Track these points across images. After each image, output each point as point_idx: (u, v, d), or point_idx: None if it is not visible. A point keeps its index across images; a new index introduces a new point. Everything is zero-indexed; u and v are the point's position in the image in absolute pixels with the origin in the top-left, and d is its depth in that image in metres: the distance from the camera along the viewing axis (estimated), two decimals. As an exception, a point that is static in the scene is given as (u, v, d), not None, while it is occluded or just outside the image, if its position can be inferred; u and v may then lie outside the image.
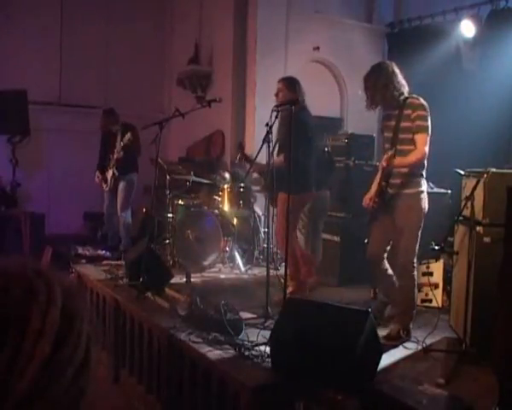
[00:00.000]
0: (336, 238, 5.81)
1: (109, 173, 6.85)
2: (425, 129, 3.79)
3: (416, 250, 3.92)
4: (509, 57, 6.29)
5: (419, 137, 3.79)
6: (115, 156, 6.66)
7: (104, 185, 6.95)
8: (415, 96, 3.90)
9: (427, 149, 3.80)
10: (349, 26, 8.30)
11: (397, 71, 3.94)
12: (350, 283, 5.44)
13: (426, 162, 3.89)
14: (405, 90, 3.92)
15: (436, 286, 4.62)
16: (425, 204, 3.89)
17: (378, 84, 3.89)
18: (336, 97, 8.54)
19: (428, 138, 3.80)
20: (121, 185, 6.82)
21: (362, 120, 7.90)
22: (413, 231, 3.86)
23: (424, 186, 3.92)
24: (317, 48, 8.03)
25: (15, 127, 7.42)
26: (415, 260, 3.94)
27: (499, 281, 2.88)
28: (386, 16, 8.68)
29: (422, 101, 3.85)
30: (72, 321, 0.76)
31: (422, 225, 3.88)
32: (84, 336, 0.77)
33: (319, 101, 7.25)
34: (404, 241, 3.87)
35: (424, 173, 3.93)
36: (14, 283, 0.74)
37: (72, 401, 0.75)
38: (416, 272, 3.99)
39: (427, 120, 3.80)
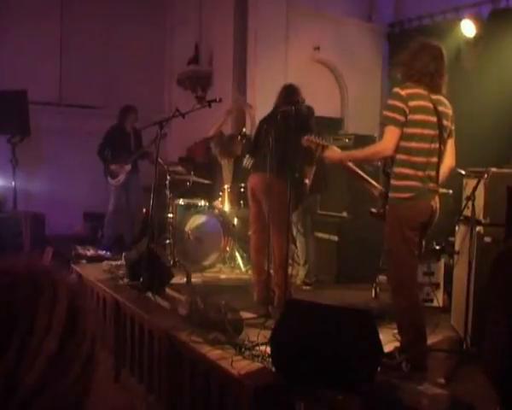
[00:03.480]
0: (334, 238, 5.83)
1: (125, 168, 6.94)
2: (386, 120, 3.30)
3: (408, 265, 3.36)
4: (510, 57, 6.29)
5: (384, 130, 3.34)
6: (145, 150, 6.92)
7: (116, 179, 6.99)
8: (406, 85, 3.36)
9: (390, 142, 3.25)
10: (349, 26, 8.29)
11: (432, 54, 3.41)
12: (347, 282, 5.46)
13: (413, 159, 3.23)
14: (418, 78, 3.35)
15: (437, 286, 4.62)
16: (404, 212, 3.27)
17: (402, 56, 3.53)
18: (336, 97, 8.53)
19: (392, 129, 3.24)
20: (136, 182, 7.20)
21: (362, 119, 7.91)
22: (392, 242, 3.35)
23: (405, 192, 3.26)
24: (318, 48, 8.03)
25: (15, 127, 7.42)
26: (406, 278, 3.36)
27: (491, 278, 2.86)
28: (386, 16, 8.67)
29: (395, 89, 3.33)
30: (77, 318, 0.77)
31: (406, 235, 3.27)
32: (89, 333, 0.79)
33: (319, 101, 7.24)
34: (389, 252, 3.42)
35: (412, 173, 3.24)
36: (21, 281, 0.75)
37: (79, 395, 0.76)
38: (409, 291, 3.36)
39: (388, 109, 3.30)
